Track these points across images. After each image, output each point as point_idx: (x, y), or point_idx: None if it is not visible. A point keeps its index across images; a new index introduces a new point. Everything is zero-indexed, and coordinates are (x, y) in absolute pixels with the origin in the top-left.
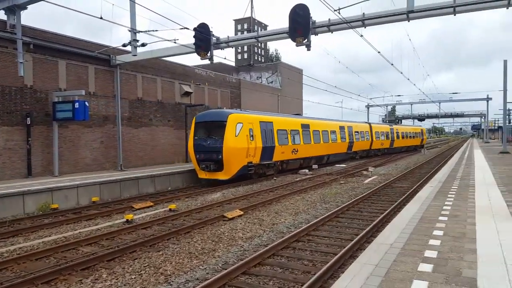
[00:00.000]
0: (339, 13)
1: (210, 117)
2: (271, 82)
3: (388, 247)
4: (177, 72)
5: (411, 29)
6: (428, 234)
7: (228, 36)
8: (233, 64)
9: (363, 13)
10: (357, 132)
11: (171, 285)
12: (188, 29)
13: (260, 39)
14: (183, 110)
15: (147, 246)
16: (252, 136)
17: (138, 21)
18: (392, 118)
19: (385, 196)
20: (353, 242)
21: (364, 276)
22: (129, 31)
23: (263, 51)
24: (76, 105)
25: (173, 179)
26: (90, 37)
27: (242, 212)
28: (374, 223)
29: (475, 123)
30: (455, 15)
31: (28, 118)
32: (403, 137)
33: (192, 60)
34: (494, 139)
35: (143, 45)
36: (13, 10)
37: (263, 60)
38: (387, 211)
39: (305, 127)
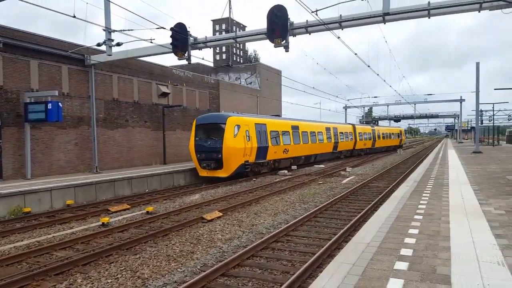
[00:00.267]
0: (316, 14)
1: (210, 119)
2: (250, 83)
3: (365, 246)
4: (154, 73)
5: (388, 31)
6: (403, 233)
7: (206, 37)
8: (211, 64)
9: (340, 15)
10: (342, 133)
11: None
12: (164, 28)
13: (238, 39)
14: (160, 111)
15: (124, 250)
16: (249, 137)
17: (113, 20)
18: (369, 119)
19: (362, 195)
20: (331, 241)
21: (341, 275)
22: (104, 30)
23: (241, 52)
24: (49, 106)
25: (151, 181)
26: (63, 36)
27: (221, 214)
28: (352, 222)
29: (449, 124)
30: (429, 18)
31: None
32: (383, 138)
33: (170, 60)
34: (467, 139)
35: (118, 44)
36: None
37: (241, 61)
38: (364, 211)
39: (295, 128)
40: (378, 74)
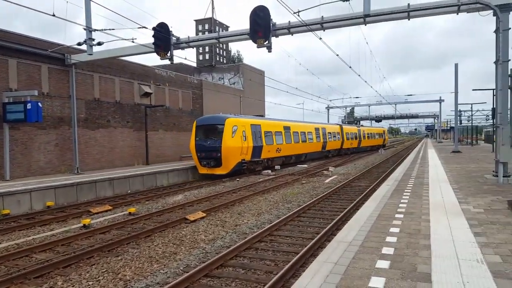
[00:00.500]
0: (298, 15)
1: (210, 121)
2: (234, 83)
3: (347, 245)
4: (136, 72)
5: (369, 33)
6: (385, 231)
7: (188, 36)
8: (194, 65)
9: (322, 16)
10: (330, 133)
11: None
12: (146, 28)
13: (221, 39)
14: (142, 111)
15: (105, 251)
16: (245, 137)
17: (94, 19)
18: (351, 119)
19: (344, 195)
20: (314, 240)
21: (324, 274)
22: (85, 29)
23: (225, 52)
24: (29, 106)
25: (133, 182)
26: (43, 37)
27: (204, 214)
28: (334, 221)
29: (429, 124)
30: (409, 19)
31: None
32: (369, 138)
33: (152, 60)
34: (446, 139)
35: (99, 44)
36: None
37: (225, 61)
38: (346, 210)
39: (287, 129)
40: (359, 75)
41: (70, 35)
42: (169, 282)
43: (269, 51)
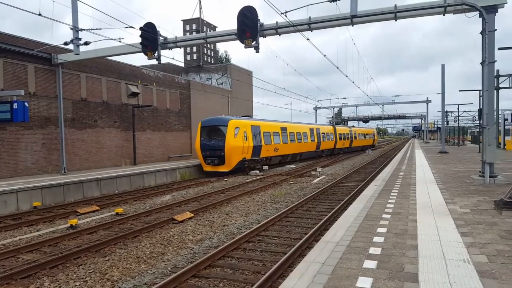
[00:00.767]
0: (285, 16)
1: (214, 122)
2: (221, 83)
3: (334, 245)
4: (123, 72)
5: (357, 33)
6: (372, 232)
7: (176, 36)
8: (182, 65)
9: (309, 17)
10: (324, 133)
11: None
12: (133, 28)
13: (208, 39)
14: (130, 111)
15: (93, 252)
16: (246, 137)
17: (81, 19)
18: (339, 120)
19: (332, 195)
20: (301, 241)
21: (311, 274)
22: (71, 29)
23: (212, 52)
24: (15, 105)
25: (120, 182)
26: (29, 36)
27: (192, 215)
28: (322, 221)
29: (416, 125)
30: (396, 20)
31: None
32: (360, 138)
33: (140, 60)
34: (433, 139)
35: (86, 43)
36: None
37: (212, 62)
38: (334, 210)
39: (284, 129)
40: (347, 76)
41: (57, 35)
42: (157, 283)
43: (256, 51)
